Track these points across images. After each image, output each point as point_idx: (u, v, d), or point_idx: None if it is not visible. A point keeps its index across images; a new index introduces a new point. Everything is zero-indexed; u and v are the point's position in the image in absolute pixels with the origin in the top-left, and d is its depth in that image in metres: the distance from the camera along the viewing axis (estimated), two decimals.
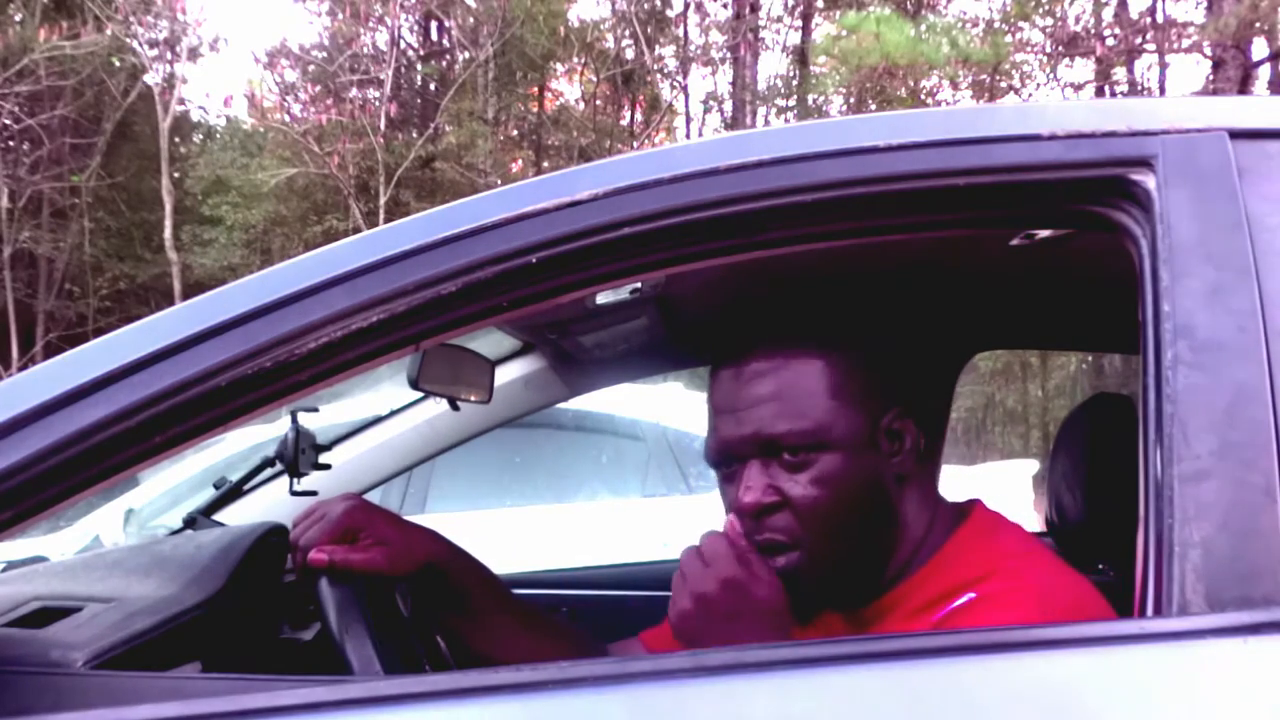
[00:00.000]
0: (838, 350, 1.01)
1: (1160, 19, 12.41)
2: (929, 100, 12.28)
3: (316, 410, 1.63)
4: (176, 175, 13.72)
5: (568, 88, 15.60)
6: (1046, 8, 12.56)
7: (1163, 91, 13.39)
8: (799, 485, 0.99)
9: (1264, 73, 12.09)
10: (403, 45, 14.42)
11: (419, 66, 15.62)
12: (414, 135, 13.23)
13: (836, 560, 1.00)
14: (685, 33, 14.92)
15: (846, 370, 1.01)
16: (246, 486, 1.72)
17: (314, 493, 1.57)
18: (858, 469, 1.00)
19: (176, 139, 14.30)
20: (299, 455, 1.55)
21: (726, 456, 1.04)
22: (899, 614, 1.01)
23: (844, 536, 1.00)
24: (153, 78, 12.54)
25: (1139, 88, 13.47)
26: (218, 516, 1.66)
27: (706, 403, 1.07)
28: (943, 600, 0.96)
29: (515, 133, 15.06)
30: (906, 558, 1.04)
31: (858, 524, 1.00)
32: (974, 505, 1.08)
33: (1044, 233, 0.98)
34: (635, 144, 13.21)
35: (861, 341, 1.03)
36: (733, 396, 1.02)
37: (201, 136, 16.50)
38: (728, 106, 15.49)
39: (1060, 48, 12.26)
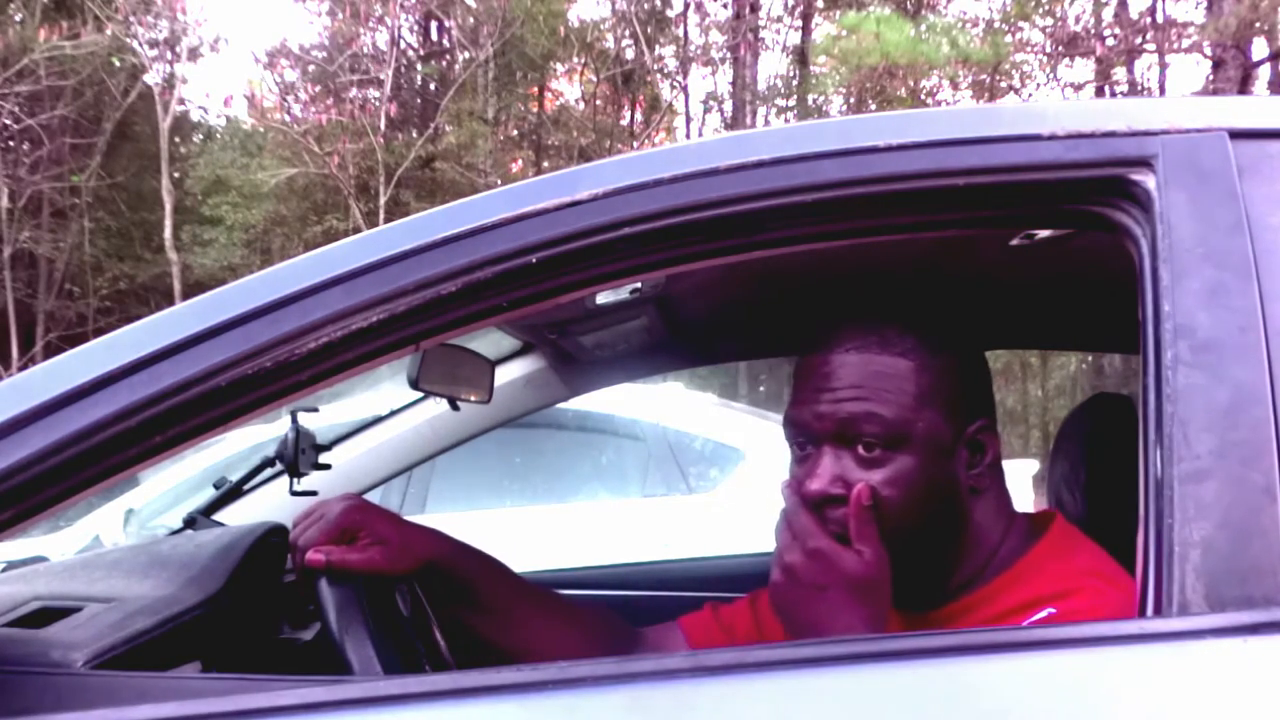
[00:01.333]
0: (934, 352, 1.00)
1: (1160, 19, 12.41)
2: (929, 100, 12.28)
3: (316, 410, 1.63)
4: (176, 175, 13.73)
5: (568, 88, 15.61)
6: (1046, 8, 12.57)
7: (1163, 91, 13.39)
8: (869, 481, 0.97)
9: (1264, 73, 12.09)
10: (403, 45, 14.42)
11: (419, 66, 15.62)
12: (414, 135, 13.23)
13: (897, 562, 0.98)
14: (685, 33, 14.92)
15: (940, 373, 1.00)
16: (246, 486, 1.72)
17: (314, 493, 1.57)
18: (933, 474, 0.98)
19: (176, 139, 14.30)
20: (299, 455, 1.55)
21: (802, 436, 1.02)
22: (970, 621, 0.99)
23: (907, 540, 0.98)
24: (153, 78, 12.55)
25: (1139, 88, 13.47)
26: (218, 516, 1.66)
27: (792, 377, 1.05)
28: (1020, 612, 0.95)
29: (515, 133, 15.06)
30: (979, 566, 1.02)
31: (923, 529, 0.99)
32: (1052, 519, 1.06)
33: (1044, 233, 0.98)
34: (635, 144, 13.21)
35: (958, 347, 1.03)
36: (820, 378, 1.00)
37: (201, 136, 16.50)
38: (728, 106, 15.49)
39: (1060, 48, 12.27)
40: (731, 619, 1.22)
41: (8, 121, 12.64)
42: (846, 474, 0.98)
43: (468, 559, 1.15)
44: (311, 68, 13.57)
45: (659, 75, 14.72)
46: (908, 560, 0.99)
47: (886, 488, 0.97)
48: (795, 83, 15.26)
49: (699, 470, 4.06)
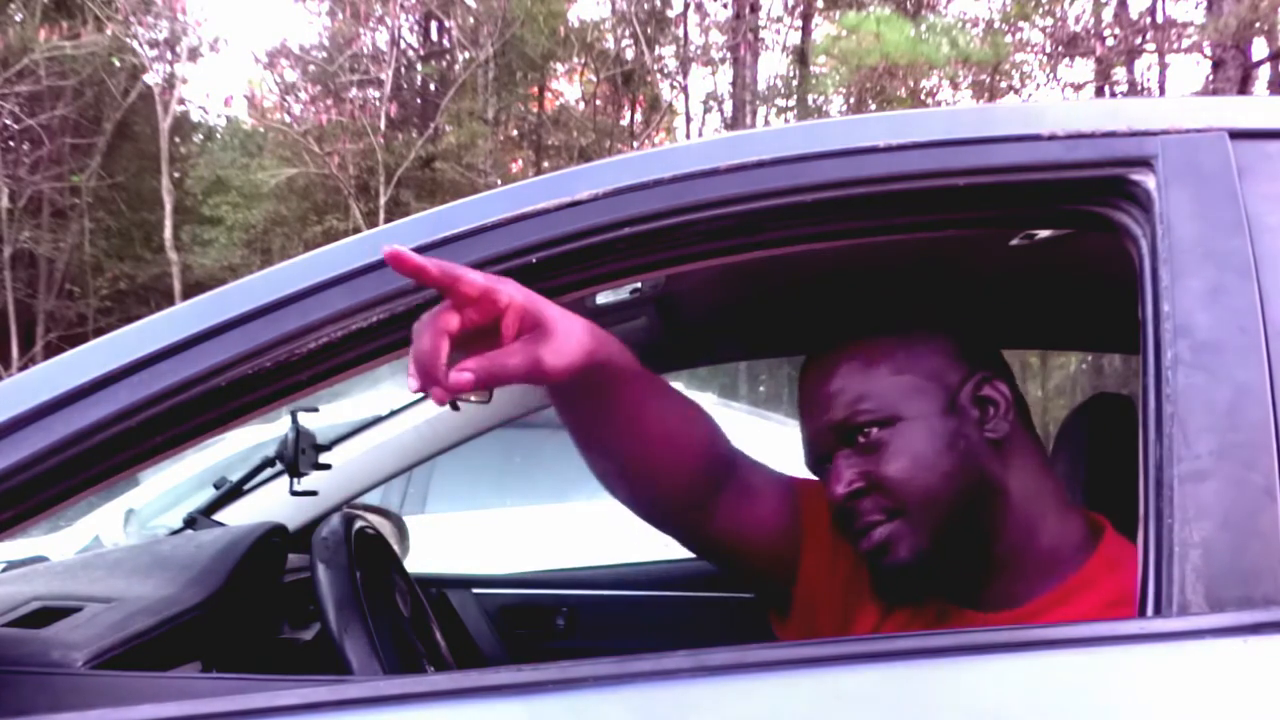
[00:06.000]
0: (894, 333, 1.03)
1: (1160, 19, 12.40)
2: (929, 100, 12.27)
3: (316, 410, 1.63)
4: (176, 175, 13.71)
5: (568, 88, 15.59)
6: (1046, 8, 12.54)
7: (1163, 91, 13.37)
8: (881, 463, 0.98)
9: (1264, 73, 12.07)
10: (403, 45, 14.41)
11: (419, 66, 15.61)
12: (414, 135, 13.22)
13: (936, 527, 0.98)
14: (685, 33, 14.90)
15: (908, 348, 1.02)
16: (246, 486, 1.72)
17: (314, 493, 1.57)
18: (937, 434, 0.99)
19: (176, 139, 14.27)
20: (299, 455, 1.55)
21: (817, 457, 1.05)
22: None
23: (938, 502, 0.98)
24: (153, 78, 12.54)
25: (1139, 88, 13.46)
26: (218, 516, 1.66)
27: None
28: None
29: (515, 133, 15.05)
30: (1024, 558, 1.00)
31: (950, 487, 0.98)
32: (1104, 530, 1.03)
33: (1044, 233, 0.98)
34: (635, 144, 13.20)
35: (921, 320, 1.05)
36: (807, 398, 1.04)
37: (201, 136, 16.48)
38: (728, 106, 15.48)
39: (1060, 48, 12.25)
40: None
41: (8, 121, 12.62)
42: (861, 466, 1.00)
43: (618, 349, 0.93)
44: (311, 68, 13.55)
45: (659, 75, 14.71)
46: (945, 524, 0.98)
47: (896, 460, 0.98)
48: (795, 83, 15.24)
49: None
